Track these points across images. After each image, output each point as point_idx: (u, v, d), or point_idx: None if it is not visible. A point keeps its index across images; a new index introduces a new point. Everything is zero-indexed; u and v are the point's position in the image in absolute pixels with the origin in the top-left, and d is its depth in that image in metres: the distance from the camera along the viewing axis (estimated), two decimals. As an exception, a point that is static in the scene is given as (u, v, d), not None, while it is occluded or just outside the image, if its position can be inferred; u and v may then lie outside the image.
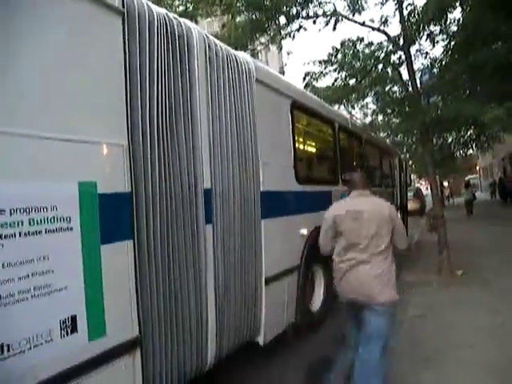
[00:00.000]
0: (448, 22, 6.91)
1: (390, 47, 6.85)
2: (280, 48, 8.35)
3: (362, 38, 7.35)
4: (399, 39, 6.55)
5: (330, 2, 6.51)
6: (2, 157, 1.53)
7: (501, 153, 22.20)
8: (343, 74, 7.35)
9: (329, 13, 6.51)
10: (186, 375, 2.47)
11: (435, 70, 7.62)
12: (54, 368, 1.66)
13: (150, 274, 2.16)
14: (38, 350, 1.61)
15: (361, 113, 10.15)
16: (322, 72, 7.45)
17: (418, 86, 6.69)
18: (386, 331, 2.50)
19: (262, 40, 6.96)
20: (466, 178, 27.03)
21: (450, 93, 7.11)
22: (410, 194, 12.94)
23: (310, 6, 6.41)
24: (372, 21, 6.99)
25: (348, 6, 6.57)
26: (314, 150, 5.25)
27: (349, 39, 7.42)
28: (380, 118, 8.37)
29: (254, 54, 6.88)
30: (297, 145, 4.17)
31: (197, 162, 2.58)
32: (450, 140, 10.45)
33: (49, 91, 1.74)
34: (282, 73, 10.67)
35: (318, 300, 4.46)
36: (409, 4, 6.57)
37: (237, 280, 2.92)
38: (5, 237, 1.51)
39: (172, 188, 2.34)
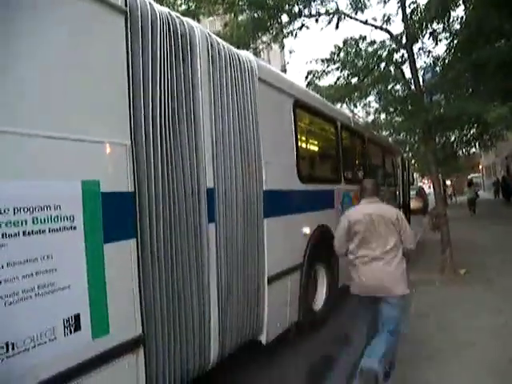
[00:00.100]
0: (451, 20, 6.85)
1: (393, 45, 6.81)
2: (282, 47, 8.33)
3: (365, 37, 7.35)
4: (402, 37, 6.51)
5: (332, 1, 6.46)
6: (6, 156, 1.54)
7: (504, 151, 22.05)
8: (346, 72, 7.33)
9: (331, 11, 6.48)
10: (189, 374, 2.48)
11: (438, 69, 7.57)
12: (57, 366, 1.67)
13: (153, 273, 2.17)
14: (41, 348, 1.61)
15: (363, 111, 10.14)
16: (324, 71, 7.44)
17: (421, 84, 6.64)
18: (398, 320, 2.84)
19: (264, 39, 6.93)
20: (469, 177, 26.97)
21: (453, 91, 7.08)
22: (412, 193, 12.93)
23: (313, 4, 6.38)
24: (374, 19, 6.96)
25: (350, 4, 6.51)
26: (316, 148, 5.24)
27: (351, 38, 7.41)
28: (382, 116, 8.37)
29: (256, 53, 6.87)
30: (299, 144, 4.16)
31: (199, 161, 2.58)
32: (452, 139, 10.44)
33: (52, 91, 1.74)
34: (284, 71, 10.65)
35: (320, 299, 4.46)
36: (412, 2, 6.51)
37: (239, 279, 2.92)
38: (9, 236, 1.52)
39: (175, 187, 2.34)
